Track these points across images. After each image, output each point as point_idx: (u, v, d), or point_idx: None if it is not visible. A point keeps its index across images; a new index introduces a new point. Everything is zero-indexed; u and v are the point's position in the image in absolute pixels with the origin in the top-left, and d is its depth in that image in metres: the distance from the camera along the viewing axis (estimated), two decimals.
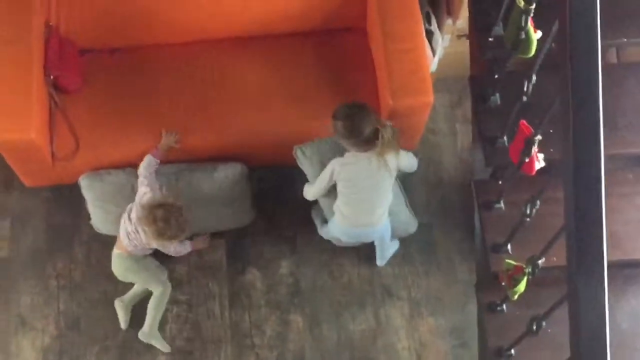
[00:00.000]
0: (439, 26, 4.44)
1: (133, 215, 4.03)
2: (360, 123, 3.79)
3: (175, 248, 4.19)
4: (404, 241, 4.52)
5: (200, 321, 4.37)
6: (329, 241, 4.48)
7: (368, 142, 3.82)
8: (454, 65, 4.69)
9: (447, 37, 4.47)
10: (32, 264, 4.45)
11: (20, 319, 4.35)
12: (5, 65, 3.96)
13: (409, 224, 4.39)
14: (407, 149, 4.52)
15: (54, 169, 4.24)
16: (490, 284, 3.27)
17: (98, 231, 4.43)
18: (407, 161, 4.01)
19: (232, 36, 4.46)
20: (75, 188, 4.51)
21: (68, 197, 4.55)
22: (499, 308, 3.25)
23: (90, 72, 4.33)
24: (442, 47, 4.50)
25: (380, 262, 4.47)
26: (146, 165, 4.06)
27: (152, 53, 4.43)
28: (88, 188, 4.25)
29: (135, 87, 4.33)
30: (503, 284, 2.90)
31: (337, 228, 4.16)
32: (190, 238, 4.30)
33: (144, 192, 3.99)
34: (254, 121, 4.27)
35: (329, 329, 4.39)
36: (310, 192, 4.13)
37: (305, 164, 4.13)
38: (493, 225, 3.28)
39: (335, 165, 3.93)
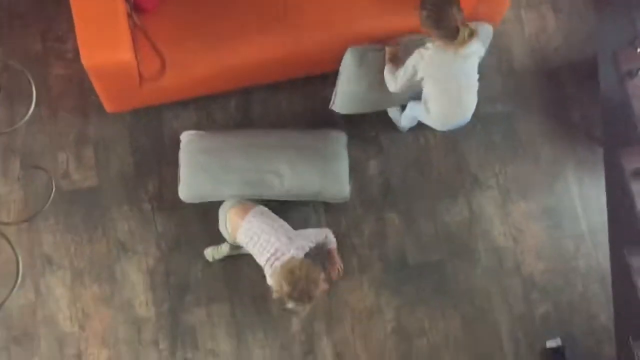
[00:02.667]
0: None
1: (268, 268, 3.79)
2: (446, 13, 3.69)
3: None
4: (486, 129, 4.59)
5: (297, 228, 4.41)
6: (413, 138, 4.54)
7: (452, 35, 3.73)
8: None
9: None
10: (123, 190, 4.43)
11: (120, 245, 4.36)
12: None
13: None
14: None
15: (141, 91, 4.18)
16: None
17: None
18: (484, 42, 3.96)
19: None
20: (153, 110, 4.49)
21: (148, 120, 4.51)
22: None
23: None
24: None
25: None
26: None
27: None
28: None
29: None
30: None
31: (430, 122, 4.17)
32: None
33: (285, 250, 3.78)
34: (336, 23, 4.23)
35: (425, 223, 4.47)
36: (392, 84, 4.03)
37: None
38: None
39: (417, 60, 3.85)
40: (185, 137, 4.33)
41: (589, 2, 4.78)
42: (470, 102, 3.97)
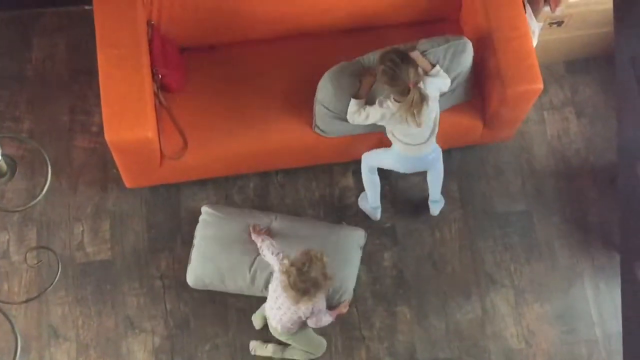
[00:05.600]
0: (534, 14, 4.46)
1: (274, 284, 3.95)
2: (401, 73, 3.80)
3: (316, 318, 3.93)
4: (504, 228, 4.56)
5: None
6: (430, 231, 4.53)
7: (403, 93, 3.85)
8: (541, 53, 4.72)
9: (540, 25, 4.50)
10: (136, 266, 4.42)
11: (128, 321, 4.32)
12: (117, 68, 3.94)
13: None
14: (507, 137, 4.59)
15: (161, 169, 4.22)
16: None
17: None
18: (441, 82, 4.02)
19: (328, 30, 4.46)
20: (172, 188, 4.52)
21: (166, 197, 4.53)
22: None
23: (191, 70, 4.32)
24: (537, 36, 4.52)
25: (434, 211, 4.53)
26: (266, 248, 4.05)
27: (251, 49, 4.42)
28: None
29: (236, 83, 4.32)
30: None
31: (395, 156, 4.18)
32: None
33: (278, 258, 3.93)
34: None
35: (437, 319, 4.41)
36: (357, 118, 4.06)
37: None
38: None
39: (386, 111, 3.93)
40: (205, 214, 4.34)
41: (611, 109, 4.80)
42: (427, 132, 4.07)
